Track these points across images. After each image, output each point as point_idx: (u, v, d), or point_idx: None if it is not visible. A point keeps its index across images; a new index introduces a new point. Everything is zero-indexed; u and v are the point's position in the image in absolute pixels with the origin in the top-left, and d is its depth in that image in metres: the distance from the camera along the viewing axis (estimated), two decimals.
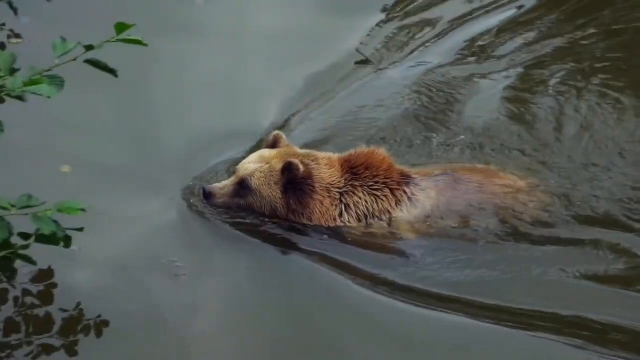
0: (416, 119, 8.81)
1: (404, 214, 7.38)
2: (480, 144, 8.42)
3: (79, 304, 6.72)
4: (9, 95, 4.62)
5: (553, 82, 9.36)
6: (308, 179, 7.33)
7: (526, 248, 7.36)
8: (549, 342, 6.70)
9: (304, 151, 7.55)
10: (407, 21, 10.59)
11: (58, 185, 7.64)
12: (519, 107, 9.02)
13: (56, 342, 6.49)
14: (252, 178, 7.36)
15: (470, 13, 10.76)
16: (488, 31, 10.42)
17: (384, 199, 7.36)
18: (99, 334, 6.57)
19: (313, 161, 7.42)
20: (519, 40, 10.18)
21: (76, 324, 6.60)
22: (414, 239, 7.44)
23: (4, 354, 6.39)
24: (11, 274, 5.33)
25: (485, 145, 8.42)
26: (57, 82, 4.67)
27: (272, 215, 7.41)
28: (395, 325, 6.78)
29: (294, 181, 7.29)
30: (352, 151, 7.51)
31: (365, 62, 9.74)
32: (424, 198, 7.40)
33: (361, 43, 9.97)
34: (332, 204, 7.39)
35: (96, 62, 4.79)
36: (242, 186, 7.39)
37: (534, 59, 9.84)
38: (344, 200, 7.39)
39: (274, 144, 7.53)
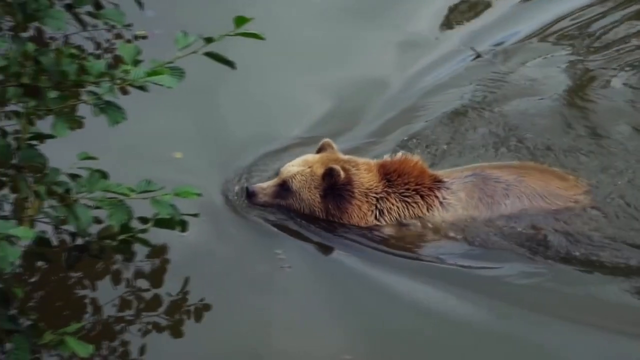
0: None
1: (436, 218, 7.45)
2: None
3: (184, 286, 6.96)
4: (132, 85, 4.80)
5: None
6: (347, 185, 7.46)
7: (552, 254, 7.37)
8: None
9: (345, 157, 7.70)
10: None
11: (171, 170, 7.92)
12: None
13: (162, 321, 6.75)
14: (293, 180, 7.52)
15: None
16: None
17: (415, 205, 7.50)
18: (198, 318, 6.78)
19: (353, 167, 7.56)
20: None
21: (180, 306, 6.83)
22: (448, 242, 7.45)
23: (118, 327, 6.67)
24: (130, 256, 5.52)
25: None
26: (178, 73, 4.83)
27: (311, 217, 7.56)
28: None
29: (334, 187, 7.38)
30: (387, 158, 7.62)
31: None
32: (454, 201, 7.46)
33: None
34: (369, 209, 7.50)
35: (215, 54, 4.92)
36: (283, 188, 7.58)
37: None
38: (379, 205, 7.50)
39: (321, 150, 7.69)
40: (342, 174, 7.48)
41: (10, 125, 5.71)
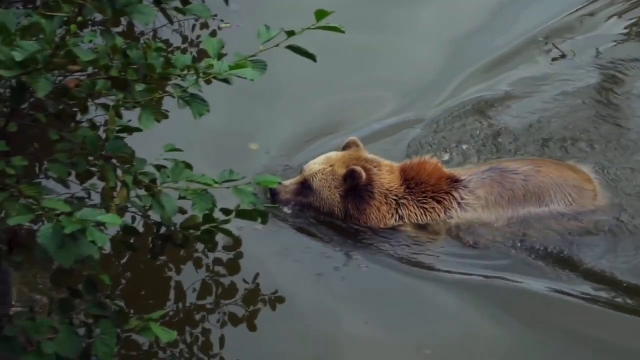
0: None
1: (454, 220, 7.45)
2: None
3: (256, 276, 7.09)
4: (215, 78, 4.92)
5: None
6: (368, 185, 7.41)
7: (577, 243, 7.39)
8: None
9: (369, 155, 7.65)
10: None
11: (247, 161, 8.11)
12: None
13: (238, 309, 6.91)
14: (314, 179, 7.52)
15: None
16: None
17: (432, 210, 7.48)
18: (273, 308, 6.91)
19: (375, 167, 7.55)
20: None
21: (256, 295, 6.97)
22: (469, 242, 7.48)
23: (198, 315, 6.86)
24: (212, 246, 5.67)
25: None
26: (260, 66, 4.94)
27: (330, 215, 7.55)
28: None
29: (355, 187, 7.37)
30: (407, 161, 7.63)
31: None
32: (473, 200, 7.43)
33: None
34: (389, 212, 7.47)
35: (297, 47, 5.03)
36: (304, 186, 7.58)
37: None
38: (399, 211, 7.49)
39: (346, 148, 7.70)
40: (363, 175, 7.47)
41: (100, 117, 5.95)
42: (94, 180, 5.48)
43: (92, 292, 5.43)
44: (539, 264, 7.31)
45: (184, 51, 4.96)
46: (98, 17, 5.87)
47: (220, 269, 7.24)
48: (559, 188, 7.52)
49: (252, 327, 6.88)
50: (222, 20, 9.28)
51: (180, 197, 5.23)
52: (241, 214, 5.32)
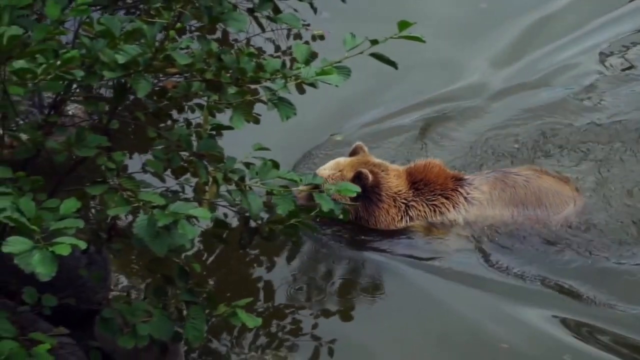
0: None
1: (462, 214, 7.63)
2: None
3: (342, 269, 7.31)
4: (303, 82, 5.17)
5: None
6: (375, 188, 7.49)
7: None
8: None
9: (377, 160, 7.80)
10: None
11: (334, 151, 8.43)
12: None
13: (332, 305, 7.14)
14: (325, 185, 7.59)
15: None
16: None
17: (441, 206, 7.65)
18: (371, 304, 7.12)
19: (383, 171, 7.65)
20: None
21: (351, 290, 7.19)
22: (475, 235, 7.65)
23: (297, 305, 7.12)
24: (297, 240, 5.92)
25: None
26: (344, 72, 5.16)
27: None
28: None
29: (363, 190, 7.47)
30: (412, 163, 7.80)
31: None
32: (478, 194, 7.64)
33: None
34: (397, 214, 7.55)
35: (380, 55, 5.21)
36: None
37: None
38: (409, 212, 7.61)
39: (353, 153, 7.82)
40: (370, 177, 7.61)
41: (194, 118, 6.27)
42: (188, 175, 5.75)
43: (184, 279, 5.72)
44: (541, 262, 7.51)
45: (277, 58, 5.21)
46: (195, 24, 6.14)
47: (310, 262, 7.52)
48: (557, 194, 7.70)
49: (347, 318, 7.15)
50: (308, 27, 9.55)
51: (268, 193, 5.51)
52: (322, 213, 5.58)
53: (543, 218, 7.73)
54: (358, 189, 5.61)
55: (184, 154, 5.48)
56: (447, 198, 7.83)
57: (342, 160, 7.98)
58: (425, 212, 7.81)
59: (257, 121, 5.44)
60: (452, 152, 8.70)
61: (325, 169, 7.89)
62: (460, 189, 7.85)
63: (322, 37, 9.55)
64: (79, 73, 4.69)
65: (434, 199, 7.83)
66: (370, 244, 7.76)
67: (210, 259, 7.45)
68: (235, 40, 9.37)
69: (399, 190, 7.83)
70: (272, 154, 5.50)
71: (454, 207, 7.80)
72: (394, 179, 7.85)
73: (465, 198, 7.81)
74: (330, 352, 6.82)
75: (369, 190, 7.70)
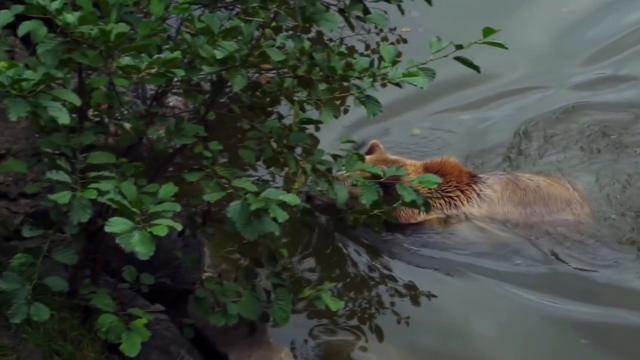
0: None
1: (475, 208, 7.81)
2: None
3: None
4: (389, 82, 5.35)
5: None
6: (394, 184, 7.61)
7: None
8: None
9: (394, 157, 7.93)
10: None
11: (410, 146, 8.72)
12: None
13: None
14: (345, 183, 7.69)
15: None
16: None
17: (457, 199, 7.83)
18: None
19: (401, 167, 7.65)
20: None
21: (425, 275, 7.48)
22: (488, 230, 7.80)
23: (362, 288, 7.40)
24: (379, 229, 6.19)
25: None
26: (429, 74, 5.33)
27: None
28: None
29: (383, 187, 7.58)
30: (428, 160, 7.97)
31: None
32: (490, 192, 7.84)
33: None
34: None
35: (463, 59, 5.37)
36: None
37: None
38: None
39: (370, 151, 7.93)
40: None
41: (285, 109, 6.53)
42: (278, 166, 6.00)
43: (273, 263, 6.03)
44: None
45: (366, 57, 5.42)
46: (290, 24, 6.38)
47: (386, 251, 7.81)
48: (567, 202, 7.86)
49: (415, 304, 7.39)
50: (394, 30, 9.83)
51: (353, 185, 5.77)
52: (406, 202, 5.82)
53: (548, 221, 7.87)
54: (439, 179, 5.84)
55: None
56: (462, 191, 8.06)
57: None
58: (440, 203, 8.02)
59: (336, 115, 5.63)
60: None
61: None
62: (474, 185, 8.08)
63: (405, 41, 9.79)
64: (180, 72, 4.93)
65: (449, 190, 8.05)
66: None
67: (297, 245, 7.67)
68: (330, 40, 9.58)
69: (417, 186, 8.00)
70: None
71: (467, 201, 8.02)
72: (412, 175, 7.93)
73: (478, 194, 8.04)
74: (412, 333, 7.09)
75: (389, 186, 7.90)
